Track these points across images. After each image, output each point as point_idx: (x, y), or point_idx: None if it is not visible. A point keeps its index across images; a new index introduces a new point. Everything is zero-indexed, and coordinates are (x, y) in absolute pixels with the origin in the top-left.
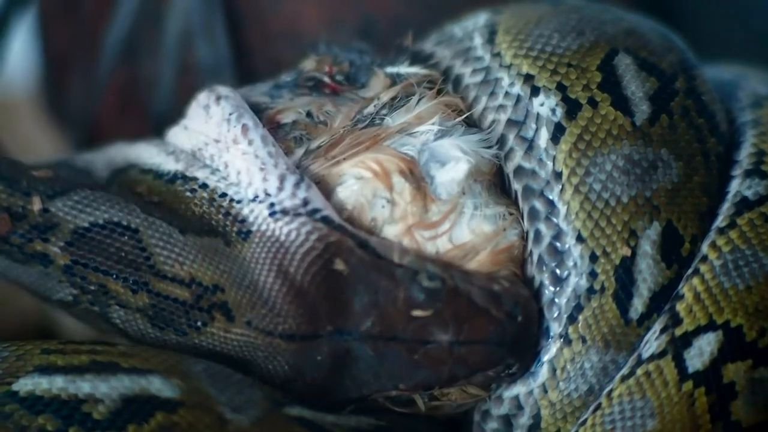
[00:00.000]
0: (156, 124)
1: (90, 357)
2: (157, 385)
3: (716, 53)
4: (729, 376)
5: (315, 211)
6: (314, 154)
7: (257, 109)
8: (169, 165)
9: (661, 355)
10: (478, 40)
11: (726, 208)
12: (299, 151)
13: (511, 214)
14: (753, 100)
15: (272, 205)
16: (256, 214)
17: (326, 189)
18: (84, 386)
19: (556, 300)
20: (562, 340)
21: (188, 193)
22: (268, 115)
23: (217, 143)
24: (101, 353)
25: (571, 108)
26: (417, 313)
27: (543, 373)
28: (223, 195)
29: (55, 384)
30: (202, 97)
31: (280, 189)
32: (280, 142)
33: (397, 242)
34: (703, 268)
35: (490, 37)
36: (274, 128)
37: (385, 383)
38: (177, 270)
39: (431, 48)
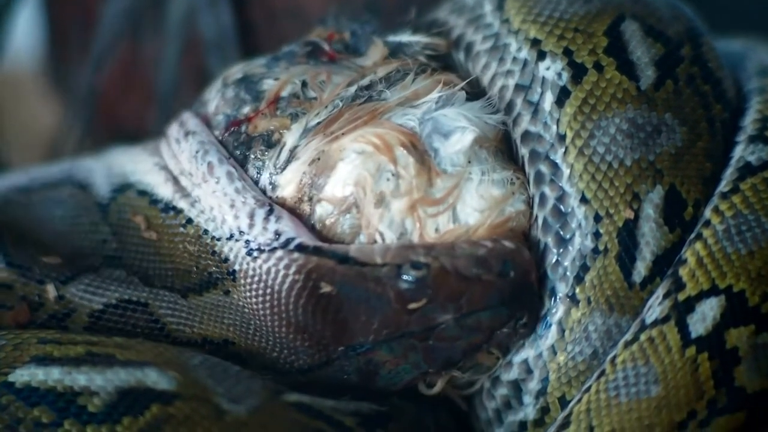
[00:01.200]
0: (160, 101)
1: (86, 348)
2: (153, 378)
3: (727, 27)
4: (732, 342)
5: (288, 241)
6: (313, 131)
7: (253, 80)
8: (161, 189)
9: (665, 320)
10: (488, 7)
11: (729, 173)
12: (297, 128)
13: (518, 178)
14: (760, 69)
15: (248, 242)
16: (236, 253)
17: (327, 164)
18: (80, 378)
19: (561, 261)
20: (569, 300)
21: (181, 228)
22: (269, 93)
23: (191, 177)
24: (97, 344)
25: (577, 72)
26: (413, 306)
27: (552, 334)
28: (206, 232)
29: (51, 376)
30: (174, 130)
31: (252, 225)
32: (277, 120)
33: (378, 243)
34: (705, 232)
35: (500, 4)
36: (274, 103)
37: (414, 373)
38: (189, 334)
39: (445, 16)
